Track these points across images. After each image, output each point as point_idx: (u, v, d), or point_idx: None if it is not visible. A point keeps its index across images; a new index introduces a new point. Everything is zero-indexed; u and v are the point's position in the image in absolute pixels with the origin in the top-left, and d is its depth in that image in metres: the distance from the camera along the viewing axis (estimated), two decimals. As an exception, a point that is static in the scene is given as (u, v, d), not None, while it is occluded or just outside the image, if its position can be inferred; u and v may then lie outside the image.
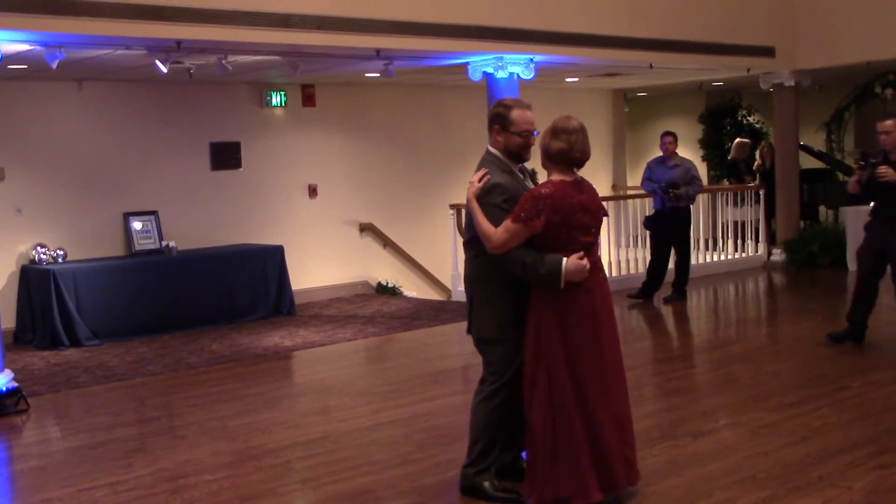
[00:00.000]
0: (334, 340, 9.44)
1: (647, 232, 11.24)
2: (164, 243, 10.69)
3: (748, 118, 16.54)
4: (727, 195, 13.69)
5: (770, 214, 13.81)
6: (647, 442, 5.63)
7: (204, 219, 11.35)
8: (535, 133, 4.50)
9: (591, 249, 4.38)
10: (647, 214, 11.28)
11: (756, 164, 14.58)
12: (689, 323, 10.22)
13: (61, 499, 5.14)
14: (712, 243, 13.51)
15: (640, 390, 6.89)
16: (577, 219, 4.29)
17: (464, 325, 4.83)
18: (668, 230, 10.76)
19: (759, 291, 12.21)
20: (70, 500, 5.10)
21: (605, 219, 4.59)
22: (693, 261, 12.83)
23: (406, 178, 12.98)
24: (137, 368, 8.45)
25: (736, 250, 13.56)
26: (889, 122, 7.64)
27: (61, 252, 10.10)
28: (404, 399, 6.94)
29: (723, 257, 13.38)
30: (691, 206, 11.00)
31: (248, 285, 10.81)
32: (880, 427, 5.73)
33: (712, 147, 16.66)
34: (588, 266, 4.28)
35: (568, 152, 4.31)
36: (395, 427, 6.21)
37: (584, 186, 4.40)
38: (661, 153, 10.83)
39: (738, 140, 14.88)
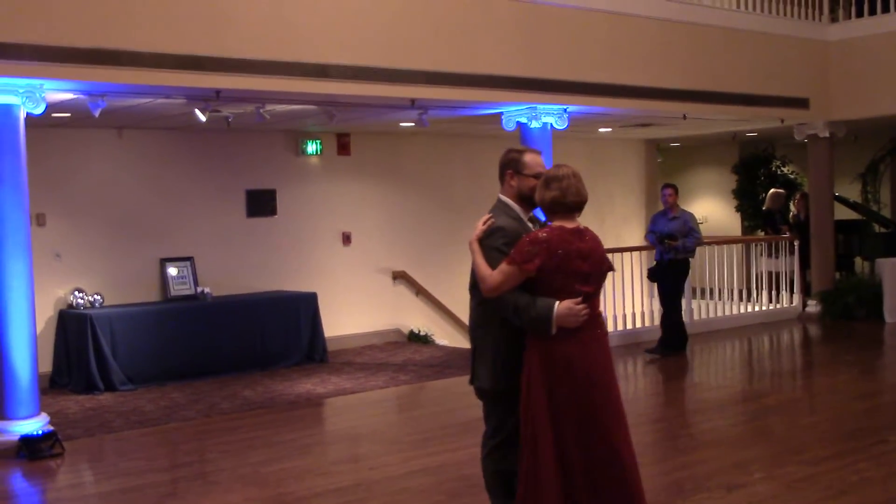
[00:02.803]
0: (366, 388, 9.45)
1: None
2: (199, 289, 10.80)
3: (782, 169, 16.50)
4: (761, 245, 13.63)
5: (805, 265, 13.72)
6: (679, 494, 5.59)
7: (239, 265, 11.45)
8: None
9: (590, 301, 4.25)
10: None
11: (791, 214, 14.52)
12: (724, 374, 10.13)
13: (94, 543, 5.16)
14: (746, 294, 13.42)
15: (673, 441, 6.84)
16: (574, 265, 4.20)
17: None
18: (664, 281, 10.71)
19: (793, 343, 12.09)
20: (102, 545, 5.13)
21: (610, 273, 4.45)
22: (727, 311, 12.80)
23: (439, 227, 13.05)
24: (171, 414, 8.50)
25: (771, 301, 13.46)
26: None
27: (98, 297, 10.22)
28: (435, 448, 6.93)
29: (757, 308, 13.28)
30: (690, 259, 10.85)
31: (282, 332, 10.87)
32: (919, 482, 5.65)
33: (746, 197, 16.61)
34: (584, 312, 4.17)
35: (562, 199, 4.26)
36: (425, 476, 6.20)
37: (585, 235, 4.31)
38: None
39: (772, 190, 14.85)
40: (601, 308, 4.46)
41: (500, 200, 4.58)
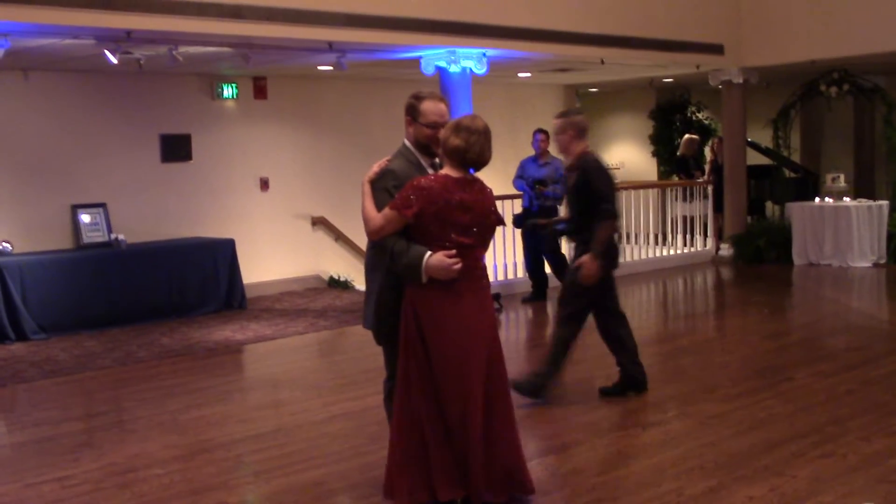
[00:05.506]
0: (286, 334, 9.40)
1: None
2: (112, 236, 10.56)
3: (697, 115, 16.75)
4: (676, 190, 13.86)
5: (718, 210, 14.01)
6: (596, 433, 5.71)
7: (154, 212, 11.23)
8: None
9: (470, 253, 4.23)
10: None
11: (709, 159, 14.74)
12: (639, 316, 10.32)
13: (7, 494, 5.07)
14: (662, 238, 13.67)
15: (589, 383, 6.97)
16: (454, 216, 4.17)
17: None
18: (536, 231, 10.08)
19: (707, 285, 12.38)
20: (16, 496, 5.04)
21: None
22: (644, 255, 13.02)
23: (358, 172, 12.72)
24: (86, 362, 8.35)
25: (685, 245, 13.73)
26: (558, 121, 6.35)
27: (7, 245, 9.93)
28: (356, 392, 6.94)
29: (672, 252, 13.54)
30: (559, 207, 10.45)
31: (199, 279, 10.72)
32: (823, 417, 5.85)
33: (662, 143, 16.86)
34: (456, 266, 4.15)
35: (463, 151, 4.20)
36: (346, 420, 6.21)
37: (473, 186, 4.27)
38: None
39: (686, 136, 15.06)
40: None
41: (403, 144, 4.55)
